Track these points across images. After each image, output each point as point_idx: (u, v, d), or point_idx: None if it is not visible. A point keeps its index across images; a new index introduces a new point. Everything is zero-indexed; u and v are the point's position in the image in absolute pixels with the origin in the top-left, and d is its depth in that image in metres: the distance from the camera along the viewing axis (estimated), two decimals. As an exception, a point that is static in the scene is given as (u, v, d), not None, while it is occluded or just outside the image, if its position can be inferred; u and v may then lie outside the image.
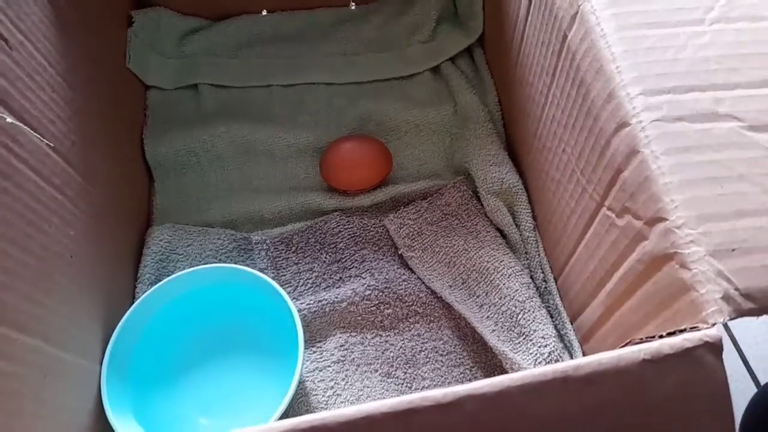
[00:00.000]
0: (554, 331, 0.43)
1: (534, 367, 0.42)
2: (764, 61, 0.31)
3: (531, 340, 0.43)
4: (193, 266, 0.46)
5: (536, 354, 0.42)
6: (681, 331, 0.26)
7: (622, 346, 0.27)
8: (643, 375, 0.24)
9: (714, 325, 0.25)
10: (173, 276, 0.44)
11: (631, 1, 0.33)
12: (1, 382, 0.30)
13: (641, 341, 0.27)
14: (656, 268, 0.29)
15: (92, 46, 0.47)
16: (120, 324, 0.42)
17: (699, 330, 0.25)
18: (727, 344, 0.64)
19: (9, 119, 0.33)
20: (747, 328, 0.64)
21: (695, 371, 0.24)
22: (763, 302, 0.25)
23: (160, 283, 0.44)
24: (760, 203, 0.28)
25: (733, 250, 0.27)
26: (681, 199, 0.28)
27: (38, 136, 0.36)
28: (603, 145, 0.33)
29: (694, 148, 0.29)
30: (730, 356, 0.63)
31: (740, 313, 0.25)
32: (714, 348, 0.25)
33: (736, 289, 0.26)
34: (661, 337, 0.25)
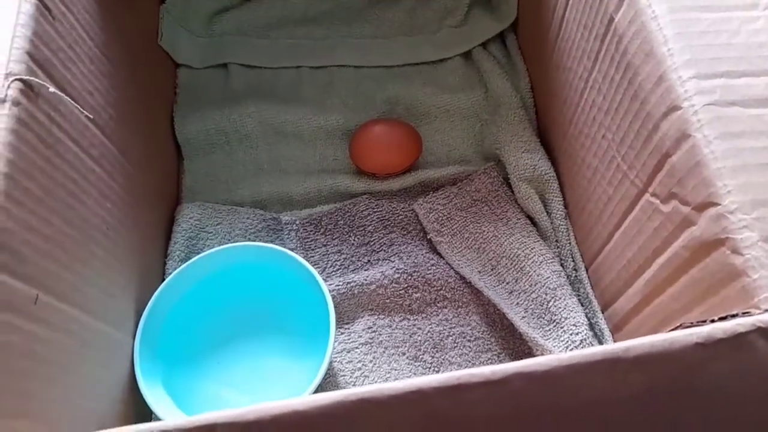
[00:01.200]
0: (586, 320, 0.43)
1: (566, 354, 0.41)
2: (819, 47, 0.31)
3: (562, 328, 0.42)
4: (222, 245, 0.46)
5: (567, 341, 0.42)
6: (733, 317, 0.25)
7: (672, 330, 0.27)
8: (695, 359, 0.24)
9: (767, 311, 0.25)
10: (205, 253, 0.44)
11: (683, -17, 0.33)
12: (41, 348, 0.30)
13: (692, 325, 0.26)
14: (704, 254, 0.29)
15: (127, 21, 0.47)
16: (152, 299, 0.42)
17: (752, 315, 0.25)
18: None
19: (51, 89, 0.33)
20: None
21: (747, 357, 0.24)
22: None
23: (192, 260, 0.44)
24: (815, 190, 0.27)
25: (787, 236, 0.26)
26: (734, 184, 0.27)
27: (78, 107, 0.36)
28: (650, 130, 0.32)
29: (748, 133, 0.29)
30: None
31: (794, 300, 0.25)
32: (767, 334, 0.24)
33: (790, 275, 0.25)
34: (712, 321, 0.25)
